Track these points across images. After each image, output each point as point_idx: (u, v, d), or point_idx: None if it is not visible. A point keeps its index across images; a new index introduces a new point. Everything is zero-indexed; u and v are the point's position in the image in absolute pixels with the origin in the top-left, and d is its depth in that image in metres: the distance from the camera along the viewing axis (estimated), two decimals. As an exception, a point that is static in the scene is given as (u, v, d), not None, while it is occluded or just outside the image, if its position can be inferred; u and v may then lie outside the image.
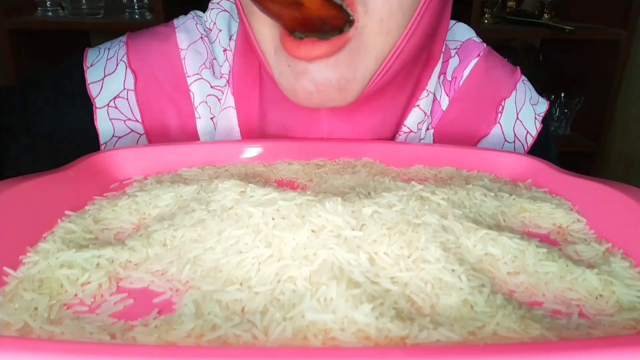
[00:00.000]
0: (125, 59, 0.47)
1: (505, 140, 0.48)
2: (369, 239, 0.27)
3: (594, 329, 0.23)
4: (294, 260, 0.25)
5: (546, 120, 0.51)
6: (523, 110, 0.48)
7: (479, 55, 0.49)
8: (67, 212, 0.32)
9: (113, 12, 1.33)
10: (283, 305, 0.23)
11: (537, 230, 0.33)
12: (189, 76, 0.47)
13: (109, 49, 0.48)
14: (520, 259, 0.27)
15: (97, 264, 0.26)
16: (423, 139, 0.48)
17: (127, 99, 0.47)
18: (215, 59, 0.48)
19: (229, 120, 0.47)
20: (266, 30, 0.37)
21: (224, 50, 0.48)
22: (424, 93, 0.45)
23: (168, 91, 0.47)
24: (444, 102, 0.48)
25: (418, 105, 0.45)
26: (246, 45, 0.45)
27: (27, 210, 0.30)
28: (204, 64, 0.47)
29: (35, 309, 0.23)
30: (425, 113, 0.46)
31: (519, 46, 1.55)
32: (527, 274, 0.27)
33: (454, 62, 0.49)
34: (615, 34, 1.30)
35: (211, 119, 0.47)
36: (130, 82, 0.47)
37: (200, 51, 0.47)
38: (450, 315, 0.23)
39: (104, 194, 0.36)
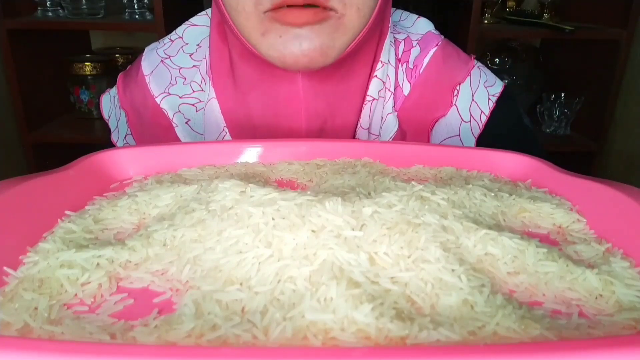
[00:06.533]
0: (119, 101, 0.56)
1: (462, 119, 0.54)
2: (369, 239, 0.27)
3: (594, 329, 0.23)
4: (294, 260, 0.25)
5: (511, 99, 0.57)
6: (478, 93, 0.55)
7: (437, 45, 0.55)
8: (67, 212, 0.32)
9: (113, 12, 1.33)
10: (283, 305, 0.23)
11: (537, 230, 0.33)
12: (156, 97, 0.54)
13: (114, 97, 0.57)
14: (520, 259, 0.27)
15: (97, 264, 0.26)
16: (390, 113, 0.53)
17: (131, 134, 0.56)
18: (182, 68, 0.55)
19: (213, 110, 0.53)
20: (251, 20, 0.43)
21: (190, 55, 0.56)
22: (379, 64, 0.52)
23: (148, 116, 0.54)
24: (406, 88, 0.54)
25: (376, 76, 0.52)
26: (218, 42, 0.52)
27: (27, 210, 0.30)
28: (170, 82, 0.55)
29: (35, 309, 0.23)
30: (382, 81, 0.52)
31: (519, 46, 1.54)
32: (527, 274, 0.27)
33: (415, 51, 0.55)
34: (615, 34, 1.30)
35: (186, 122, 0.54)
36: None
37: (163, 73, 0.55)
38: (450, 315, 0.23)
39: (104, 194, 0.36)
